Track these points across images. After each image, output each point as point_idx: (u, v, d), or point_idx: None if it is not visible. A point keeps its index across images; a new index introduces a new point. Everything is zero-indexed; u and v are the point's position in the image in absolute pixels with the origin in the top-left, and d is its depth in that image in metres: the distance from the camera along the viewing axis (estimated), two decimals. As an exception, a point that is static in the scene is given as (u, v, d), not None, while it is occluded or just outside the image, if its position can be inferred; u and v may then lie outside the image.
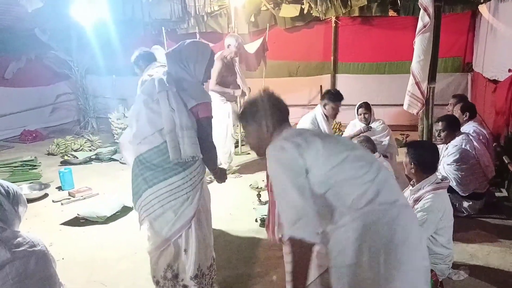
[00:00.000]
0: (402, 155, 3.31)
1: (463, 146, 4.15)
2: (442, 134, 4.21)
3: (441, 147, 4.42)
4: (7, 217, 1.85)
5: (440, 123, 4.23)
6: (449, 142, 4.24)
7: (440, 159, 4.32)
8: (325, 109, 4.60)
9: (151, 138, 2.48)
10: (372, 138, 4.25)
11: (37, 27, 7.71)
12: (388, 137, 4.90)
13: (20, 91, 8.45)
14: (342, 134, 5.77)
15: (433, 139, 4.21)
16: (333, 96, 4.56)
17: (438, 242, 2.91)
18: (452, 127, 4.21)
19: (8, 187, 1.92)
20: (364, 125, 4.92)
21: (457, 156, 4.13)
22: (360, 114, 4.94)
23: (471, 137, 4.29)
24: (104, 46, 7.80)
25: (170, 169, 2.49)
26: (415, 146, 3.07)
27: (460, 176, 4.11)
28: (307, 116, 4.77)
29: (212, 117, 2.63)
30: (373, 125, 4.88)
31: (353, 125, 5.12)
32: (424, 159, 2.96)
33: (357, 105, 5.06)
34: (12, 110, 8.27)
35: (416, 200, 2.89)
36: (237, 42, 5.34)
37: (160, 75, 2.59)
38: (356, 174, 1.75)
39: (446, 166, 4.19)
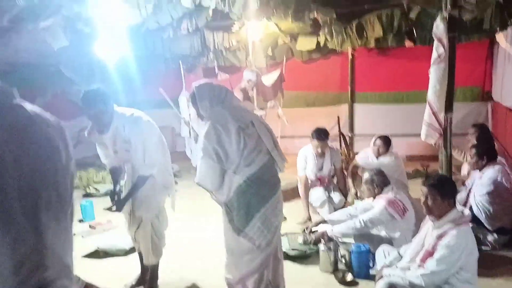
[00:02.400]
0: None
1: (499, 179, 4.01)
2: (474, 159, 4.19)
3: (473, 174, 4.32)
4: None
5: (474, 150, 4.21)
6: (481, 169, 4.15)
7: (471, 187, 4.23)
8: (312, 145, 4.95)
9: (257, 158, 2.75)
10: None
11: (62, 63, 8.01)
12: (397, 174, 4.79)
13: (44, 125, 8.68)
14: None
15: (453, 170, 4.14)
16: (315, 134, 4.89)
17: (463, 278, 2.81)
18: (482, 155, 4.16)
19: None
20: (375, 157, 4.88)
21: (492, 188, 3.99)
22: (376, 146, 4.92)
23: (508, 170, 4.14)
24: (125, 80, 8.03)
25: (277, 180, 2.87)
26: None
27: (491, 209, 3.97)
28: (304, 148, 5.16)
29: None
30: (384, 159, 4.81)
31: (365, 154, 5.09)
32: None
33: (376, 136, 5.04)
34: (37, 143, 8.49)
35: (439, 237, 2.82)
36: (257, 78, 5.54)
37: (227, 106, 2.88)
38: None
39: (477, 196, 4.05)
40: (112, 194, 3.41)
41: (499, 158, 4.32)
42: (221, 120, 2.73)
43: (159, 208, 3.49)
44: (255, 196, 2.70)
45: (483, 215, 3.96)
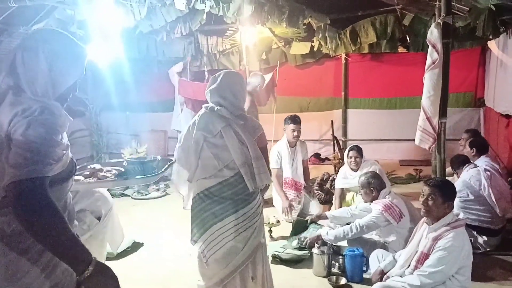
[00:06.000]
0: (415, 190, 3.24)
1: (469, 181, 4.15)
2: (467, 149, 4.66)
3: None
4: None
5: (469, 142, 4.67)
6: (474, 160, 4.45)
7: None
8: (286, 134, 5.17)
9: (219, 172, 2.49)
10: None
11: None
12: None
13: (36, 128, 8.58)
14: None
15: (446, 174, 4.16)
16: (289, 119, 5.14)
17: (458, 282, 2.81)
18: (476, 146, 4.56)
19: None
20: (353, 169, 4.83)
21: (463, 191, 4.11)
22: (351, 157, 4.85)
23: (481, 171, 4.24)
24: (118, 83, 7.98)
25: (240, 200, 2.51)
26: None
27: (469, 211, 4.09)
28: (277, 143, 5.40)
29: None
30: (363, 169, 4.73)
31: (344, 173, 4.96)
32: (454, 198, 2.99)
33: (348, 148, 5.00)
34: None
35: (436, 239, 2.82)
36: (262, 82, 5.59)
37: (205, 111, 2.59)
38: None
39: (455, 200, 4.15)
40: None
41: (475, 163, 4.45)
42: (190, 123, 2.64)
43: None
44: (207, 212, 2.52)
45: (465, 216, 4.03)
